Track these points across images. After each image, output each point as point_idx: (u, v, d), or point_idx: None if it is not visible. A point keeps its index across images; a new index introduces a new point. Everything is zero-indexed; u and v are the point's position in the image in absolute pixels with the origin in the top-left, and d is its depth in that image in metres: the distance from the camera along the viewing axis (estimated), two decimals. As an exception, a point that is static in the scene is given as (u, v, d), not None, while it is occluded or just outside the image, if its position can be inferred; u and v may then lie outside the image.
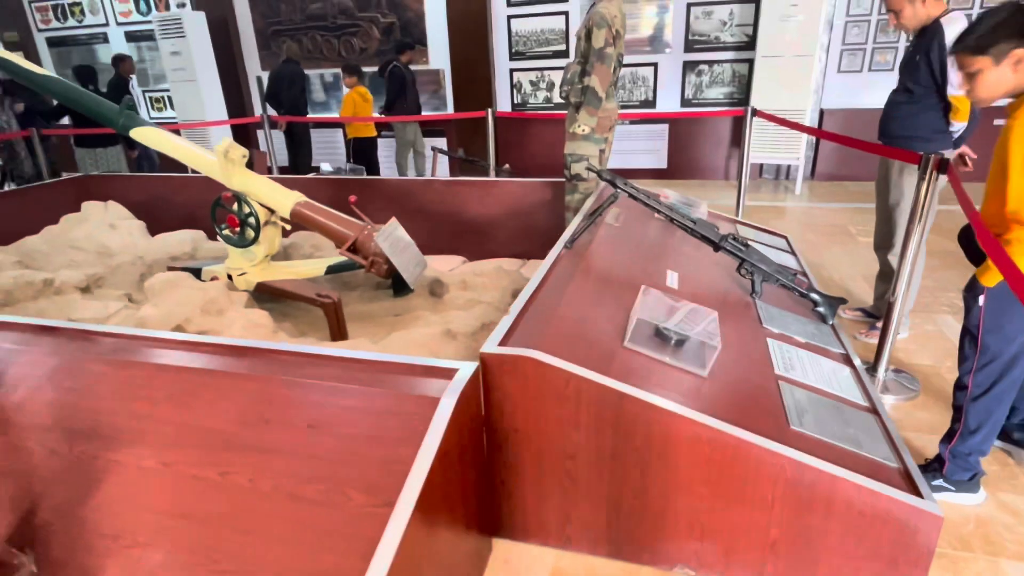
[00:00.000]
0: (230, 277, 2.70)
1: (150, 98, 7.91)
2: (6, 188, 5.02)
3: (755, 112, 3.76)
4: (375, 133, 6.02)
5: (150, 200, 4.22)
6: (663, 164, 6.23)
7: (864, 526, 1.26)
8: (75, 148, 5.45)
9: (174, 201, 4.25)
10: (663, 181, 6.17)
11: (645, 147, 6.20)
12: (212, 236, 3.58)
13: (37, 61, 8.36)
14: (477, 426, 1.40)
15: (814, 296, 2.11)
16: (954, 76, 2.10)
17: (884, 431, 1.51)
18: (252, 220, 2.51)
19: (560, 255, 2.16)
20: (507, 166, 4.32)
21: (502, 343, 1.42)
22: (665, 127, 6.09)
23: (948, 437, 1.68)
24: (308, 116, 6.36)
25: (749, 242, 2.20)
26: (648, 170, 6.26)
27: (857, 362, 1.83)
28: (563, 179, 3.11)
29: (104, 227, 3.44)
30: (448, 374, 1.32)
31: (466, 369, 1.32)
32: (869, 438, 1.46)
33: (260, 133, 7.04)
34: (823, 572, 1.32)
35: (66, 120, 6.22)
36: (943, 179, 1.97)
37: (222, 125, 6.49)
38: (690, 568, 1.43)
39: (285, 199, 2.53)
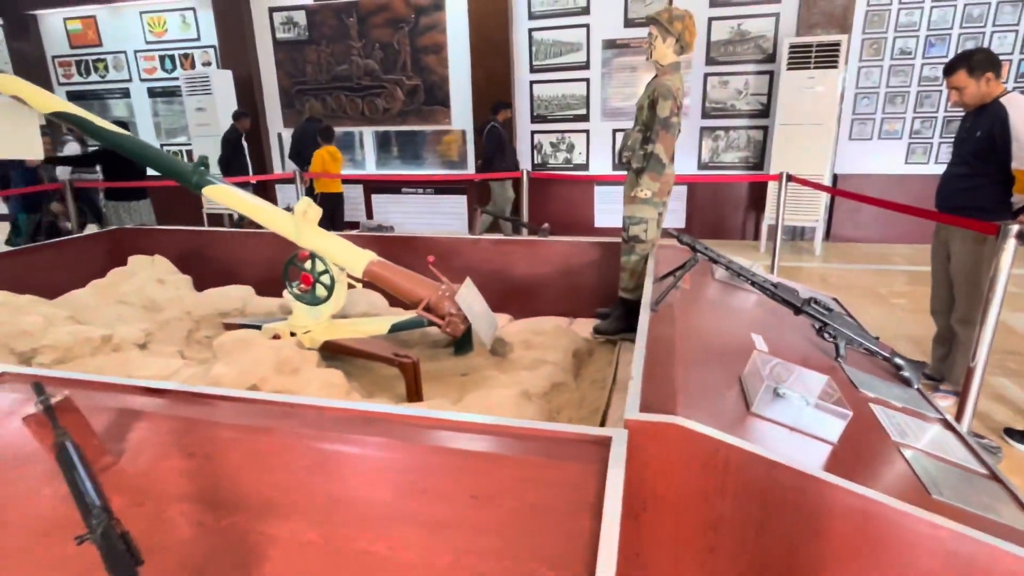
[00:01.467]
0: (292, 334, 2.68)
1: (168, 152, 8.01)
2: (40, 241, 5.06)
3: (790, 178, 3.91)
4: (340, 190, 6.32)
5: (187, 253, 4.21)
6: (682, 224, 6.40)
7: (1025, 600, 1.25)
8: (106, 201, 5.47)
9: (211, 255, 4.25)
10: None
11: (664, 207, 6.38)
12: (260, 292, 3.57)
13: (55, 114, 8.48)
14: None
15: (898, 360, 2.15)
16: (1020, 151, 2.22)
17: (1013, 498, 1.51)
18: (326, 279, 2.52)
19: (649, 319, 2.18)
20: (546, 225, 4.40)
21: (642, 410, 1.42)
22: (684, 188, 6.28)
23: None
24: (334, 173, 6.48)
25: (831, 306, 2.25)
26: (667, 229, 6.41)
27: (958, 427, 1.85)
28: (614, 240, 3.18)
29: (152, 282, 3.42)
30: (601, 441, 1.32)
31: (620, 437, 1.31)
32: (1003, 506, 1.46)
33: (278, 189, 7.15)
34: (982, 649, 1.29)
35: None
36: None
37: (250, 180, 6.55)
38: (836, 645, 1.39)
39: (358, 258, 2.55)
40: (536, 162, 6.74)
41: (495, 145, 5.88)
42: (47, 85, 8.42)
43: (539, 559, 1.10)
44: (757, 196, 6.08)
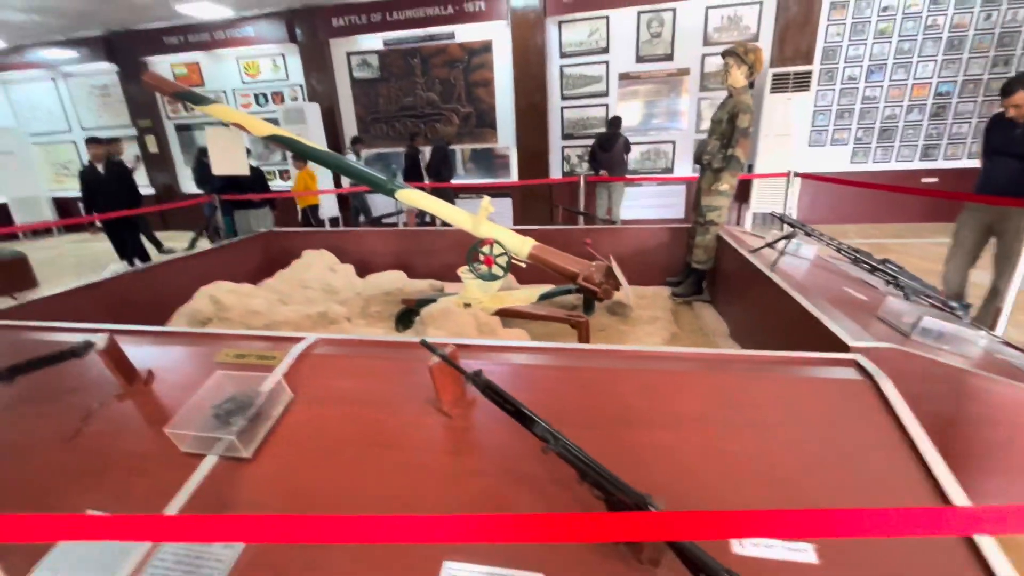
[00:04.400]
0: (467, 305, 2.68)
1: (267, 172, 7.75)
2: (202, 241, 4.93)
3: (796, 174, 4.00)
4: (318, 202, 6.08)
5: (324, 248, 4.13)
6: (680, 215, 6.48)
7: None
8: (234, 211, 5.30)
9: (346, 250, 4.17)
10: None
11: (666, 202, 6.45)
12: (412, 276, 3.54)
13: (167, 143, 8.12)
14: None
15: (952, 303, 2.25)
16: None
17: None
18: (503, 260, 2.52)
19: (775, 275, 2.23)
20: (608, 215, 4.46)
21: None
22: (683, 187, 6.36)
23: None
24: (451, 183, 6.21)
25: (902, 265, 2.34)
26: (669, 219, 6.49)
27: (1015, 344, 1.96)
28: (677, 227, 3.23)
29: (325, 270, 3.36)
30: (844, 363, 1.38)
31: (863, 359, 1.37)
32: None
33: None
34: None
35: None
36: None
37: (354, 191, 6.32)
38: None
39: (524, 244, 2.55)
40: (565, 170, 6.73)
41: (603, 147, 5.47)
42: (158, 120, 8.05)
43: (858, 444, 1.15)
44: (742, 191, 6.18)
